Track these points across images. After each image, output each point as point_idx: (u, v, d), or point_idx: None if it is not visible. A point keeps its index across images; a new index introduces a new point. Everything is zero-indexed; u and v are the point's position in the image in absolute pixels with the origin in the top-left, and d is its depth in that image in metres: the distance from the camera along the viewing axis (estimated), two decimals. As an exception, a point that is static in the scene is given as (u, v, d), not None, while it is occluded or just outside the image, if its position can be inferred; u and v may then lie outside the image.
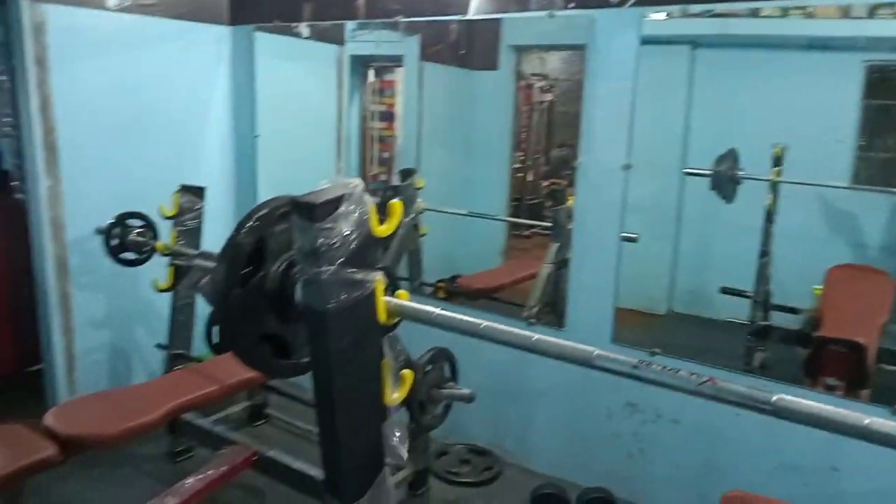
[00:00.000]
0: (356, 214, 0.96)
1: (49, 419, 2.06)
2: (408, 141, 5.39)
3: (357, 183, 0.99)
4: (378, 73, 6.94)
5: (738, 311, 3.52)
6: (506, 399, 3.06)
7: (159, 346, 3.07)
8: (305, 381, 2.93)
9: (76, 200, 3.15)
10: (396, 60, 5.44)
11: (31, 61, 2.89)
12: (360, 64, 5.46)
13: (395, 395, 1.11)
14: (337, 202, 0.94)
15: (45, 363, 3.35)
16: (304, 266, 0.96)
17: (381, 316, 1.06)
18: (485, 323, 1.03)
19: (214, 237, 2.98)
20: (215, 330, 3.19)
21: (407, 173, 4.18)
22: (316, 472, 2.49)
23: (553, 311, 3.59)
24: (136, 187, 3.29)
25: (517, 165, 6.57)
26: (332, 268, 0.94)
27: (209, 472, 2.47)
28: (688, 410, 2.61)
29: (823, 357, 2.57)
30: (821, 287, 3.13)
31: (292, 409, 3.27)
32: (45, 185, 3.05)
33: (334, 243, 0.93)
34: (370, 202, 0.99)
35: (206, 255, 1.74)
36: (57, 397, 3.28)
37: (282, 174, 3.94)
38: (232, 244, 1.09)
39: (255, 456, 2.60)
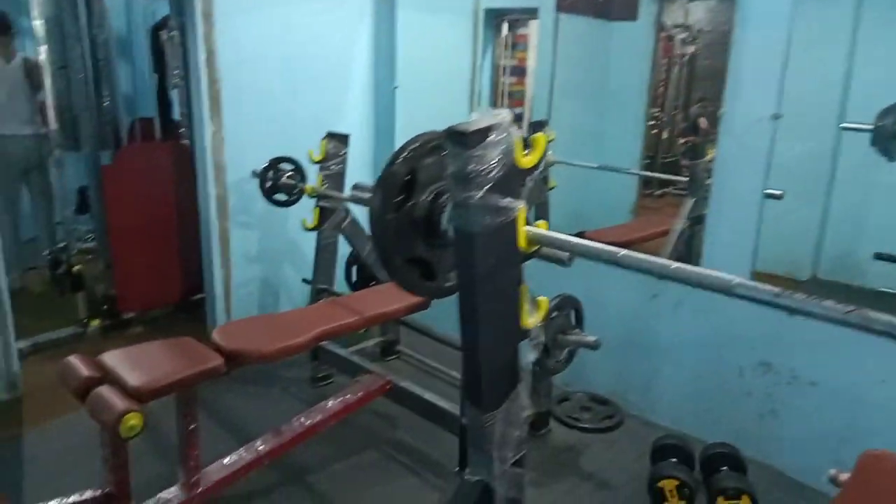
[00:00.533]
0: (504, 144, 1.02)
1: (215, 336, 2.34)
2: (540, 93, 5.36)
3: (505, 114, 1.05)
4: (511, 26, 6.88)
5: (894, 280, 3.26)
6: (630, 350, 3.06)
7: (305, 280, 3.34)
8: (435, 320, 3.10)
9: (235, 145, 3.45)
10: (531, 13, 5.39)
11: (200, 16, 3.17)
12: (494, 17, 5.45)
13: (531, 320, 1.18)
14: (487, 131, 1.01)
15: (207, 293, 3.75)
16: (456, 190, 1.04)
17: (522, 243, 1.12)
18: (623, 251, 1.07)
19: (354, 181, 3.17)
20: (353, 269, 3.43)
21: (538, 126, 4.18)
22: (444, 404, 2.65)
23: (684, 267, 3.50)
24: (287, 133, 3.55)
25: (652, 122, 6.33)
26: (481, 193, 1.01)
27: (347, 396, 2.71)
28: (828, 372, 2.49)
29: None
30: None
31: (421, 346, 3.46)
32: (209, 131, 3.36)
33: (483, 170, 1.00)
34: (516, 134, 1.05)
35: (359, 188, 1.88)
36: (216, 322, 3.67)
37: (417, 125, 4.06)
38: (388, 173, 1.19)
39: (389, 385, 2.81)
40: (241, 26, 3.34)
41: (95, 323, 3.71)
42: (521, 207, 1.09)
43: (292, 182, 3.13)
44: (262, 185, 3.10)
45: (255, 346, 2.30)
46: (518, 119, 6.81)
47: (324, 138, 3.03)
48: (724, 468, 2.50)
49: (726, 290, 1.00)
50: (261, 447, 2.42)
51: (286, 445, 2.47)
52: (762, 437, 2.67)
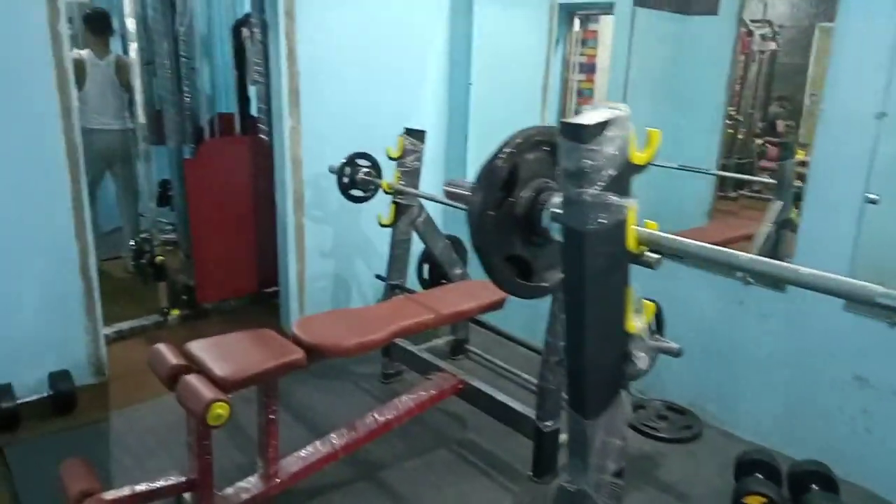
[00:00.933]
0: (619, 139, 0.97)
1: (295, 329, 2.36)
2: (614, 90, 5.23)
3: (623, 108, 1.00)
4: (582, 22, 6.76)
5: None
6: (711, 358, 2.94)
7: (378, 276, 3.35)
8: (504, 319, 3.05)
9: (312, 141, 3.50)
10: (604, 8, 5.26)
11: (282, 13, 3.22)
12: (567, 13, 5.36)
13: (637, 324, 1.13)
14: (604, 125, 0.96)
15: (281, 285, 3.82)
16: (567, 187, 1.00)
17: (631, 243, 1.07)
18: (744, 255, 1.00)
19: (425, 178, 3.16)
20: (425, 267, 3.42)
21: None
22: (517, 406, 2.61)
23: (769, 273, 3.35)
24: (362, 129, 3.58)
25: (727, 121, 6.10)
26: (594, 190, 0.97)
27: (421, 394, 2.70)
28: (934, 392, 2.33)
29: None
30: None
31: (489, 346, 3.43)
32: (288, 125, 3.41)
33: (598, 165, 0.96)
34: (631, 129, 1.00)
35: (454, 184, 1.86)
36: (289, 315, 3.73)
37: (491, 121, 4.04)
38: (490, 169, 1.16)
39: (462, 385, 2.79)
40: (320, 23, 3.38)
41: (175, 313, 3.83)
42: (632, 206, 1.04)
43: (368, 178, 3.14)
44: (339, 181, 3.13)
45: (334, 341, 2.31)
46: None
47: (401, 135, 3.03)
48: (814, 487, 2.37)
49: (868, 300, 0.92)
50: (336, 441, 2.44)
51: (361, 441, 2.48)
52: (856, 455, 2.51)
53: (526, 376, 3.21)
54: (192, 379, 2.01)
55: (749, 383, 2.83)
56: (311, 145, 3.50)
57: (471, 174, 4.07)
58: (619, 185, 1.02)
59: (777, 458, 2.51)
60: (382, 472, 2.62)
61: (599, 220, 0.99)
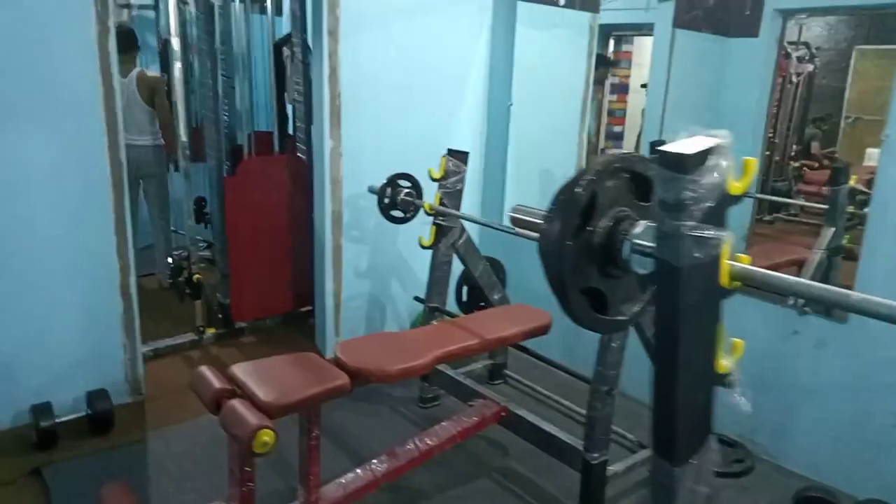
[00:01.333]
0: (719, 169, 0.92)
1: (339, 353, 2.31)
2: (652, 111, 5.17)
3: (723, 135, 0.94)
4: (616, 43, 6.71)
5: None
6: (762, 389, 2.82)
7: (417, 299, 3.30)
8: (543, 344, 2.98)
9: (351, 161, 3.48)
10: (646, 28, 5.21)
11: (326, 33, 3.22)
12: (603, 34, 5.33)
13: (726, 363, 1.06)
14: (705, 154, 0.91)
15: (317, 306, 3.79)
16: (664, 219, 0.95)
17: (724, 279, 1.01)
18: (857, 295, 0.93)
19: (464, 199, 3.11)
20: (464, 289, 3.36)
21: (657, 145, 4.00)
22: (562, 436, 2.53)
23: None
24: (400, 149, 3.56)
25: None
26: (692, 223, 0.91)
27: (463, 421, 2.63)
28: None
29: None
30: None
31: (527, 371, 3.36)
32: (328, 146, 3.40)
33: (698, 197, 0.90)
34: (731, 158, 0.94)
35: (523, 210, 1.80)
36: (325, 335, 3.69)
37: (529, 143, 4.00)
38: (569, 196, 1.10)
39: (505, 412, 2.72)
40: (362, 44, 3.37)
41: (211, 331, 3.81)
42: (727, 239, 0.98)
43: (409, 199, 3.11)
44: (379, 202, 3.10)
45: (378, 366, 2.26)
46: (618, 137, 6.60)
47: (444, 155, 3.00)
48: (879, 528, 2.26)
49: None
50: (377, 468, 2.37)
51: (402, 468, 2.41)
52: (922, 496, 2.39)
53: (567, 403, 3.13)
54: (237, 404, 1.97)
55: (803, 416, 2.72)
56: (350, 165, 3.48)
57: (510, 196, 4.05)
58: (716, 217, 0.95)
59: (837, 496, 2.40)
60: (423, 501, 2.55)
61: (696, 255, 0.93)
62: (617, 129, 6.87)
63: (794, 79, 7.41)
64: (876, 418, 2.51)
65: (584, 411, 3.01)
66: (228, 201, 3.71)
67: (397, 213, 3.16)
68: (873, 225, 2.51)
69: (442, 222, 3.00)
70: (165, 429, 2.96)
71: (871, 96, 9.05)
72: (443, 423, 2.62)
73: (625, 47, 6.89)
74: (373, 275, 3.77)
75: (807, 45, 7.58)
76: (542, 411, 3.05)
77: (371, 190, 3.21)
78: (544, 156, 4.21)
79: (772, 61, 5.21)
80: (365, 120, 3.48)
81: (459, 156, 2.99)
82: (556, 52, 4.13)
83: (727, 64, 5.22)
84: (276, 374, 2.19)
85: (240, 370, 2.18)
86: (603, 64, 5.08)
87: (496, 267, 3.31)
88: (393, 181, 3.11)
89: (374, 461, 2.39)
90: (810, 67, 7.71)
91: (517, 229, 2.01)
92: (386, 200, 3.11)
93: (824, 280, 3.27)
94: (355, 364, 2.25)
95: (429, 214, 2.99)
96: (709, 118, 5.15)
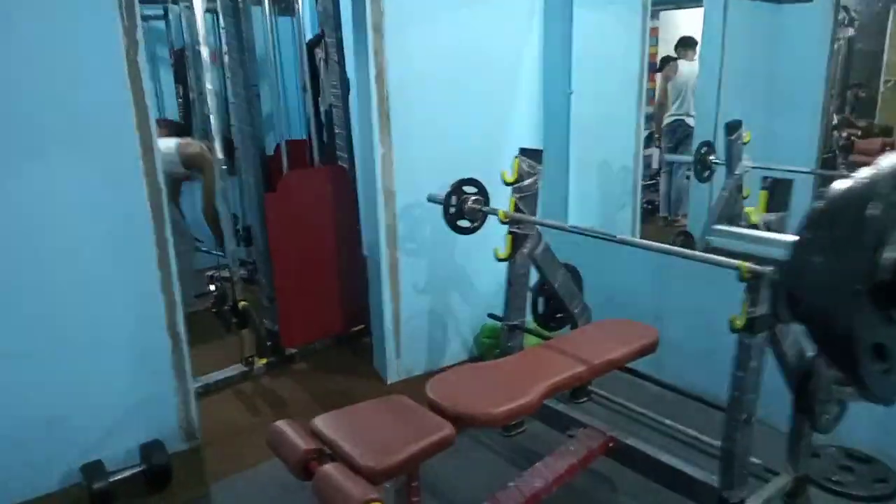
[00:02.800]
0: None
1: (434, 396, 2.00)
2: (707, 89, 4.81)
3: None
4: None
5: None
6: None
7: (493, 316, 2.99)
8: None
9: (404, 168, 3.17)
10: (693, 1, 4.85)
11: (370, 28, 2.90)
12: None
13: None
14: None
15: (374, 326, 3.48)
16: None
17: None
18: None
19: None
20: (540, 301, 3.04)
21: (733, 127, 3.66)
22: (690, 470, 2.22)
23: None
24: (453, 152, 3.26)
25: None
26: None
27: (567, 456, 2.32)
28: None
29: None
30: None
31: (610, 385, 3.03)
32: (379, 153, 3.08)
33: None
34: None
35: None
36: (385, 357, 3.39)
37: (591, 135, 3.67)
38: (854, 220, 0.77)
39: (613, 442, 2.40)
40: (408, 38, 3.06)
41: (262, 361, 3.52)
42: None
43: (477, 207, 2.79)
44: (445, 212, 2.78)
45: (482, 408, 1.94)
46: (649, 119, 6.20)
47: (517, 156, 2.67)
48: None
49: None
50: None
51: (508, 518, 2.11)
52: None
53: (669, 422, 2.81)
54: (333, 471, 1.66)
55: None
56: (402, 173, 3.17)
57: (574, 196, 3.72)
58: None
59: None
60: (534, 553, 2.23)
61: None
62: (650, 109, 6.52)
63: (836, 44, 7.02)
64: None
65: (693, 433, 2.72)
66: (270, 219, 3.41)
67: (464, 223, 2.84)
68: None
69: (518, 230, 2.68)
70: (228, 479, 2.67)
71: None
72: (546, 460, 2.31)
73: (654, 23, 6.54)
74: (432, 290, 3.46)
75: (846, 7, 7.18)
76: (647, 435, 2.74)
77: (431, 199, 2.90)
78: (603, 148, 3.87)
79: (828, 26, 4.84)
80: (416, 122, 3.17)
81: (533, 155, 2.67)
82: (611, 32, 3.78)
83: (781, 33, 4.86)
84: (368, 426, 1.88)
85: (325, 424, 1.87)
86: (684, 44, 4.74)
87: (573, 274, 2.98)
88: (458, 188, 2.79)
89: (476, 512, 2.08)
90: (850, 31, 7.31)
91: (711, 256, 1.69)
92: (452, 210, 2.79)
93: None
94: (455, 407, 1.94)
95: (504, 223, 2.67)
96: (765, 93, 4.79)
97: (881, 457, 2.58)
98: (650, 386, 2.60)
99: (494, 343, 3.57)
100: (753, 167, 3.75)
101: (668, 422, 2.79)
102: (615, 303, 3.15)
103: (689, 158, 3.84)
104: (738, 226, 3.78)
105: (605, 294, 3.10)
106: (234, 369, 3.48)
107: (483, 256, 3.49)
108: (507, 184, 2.67)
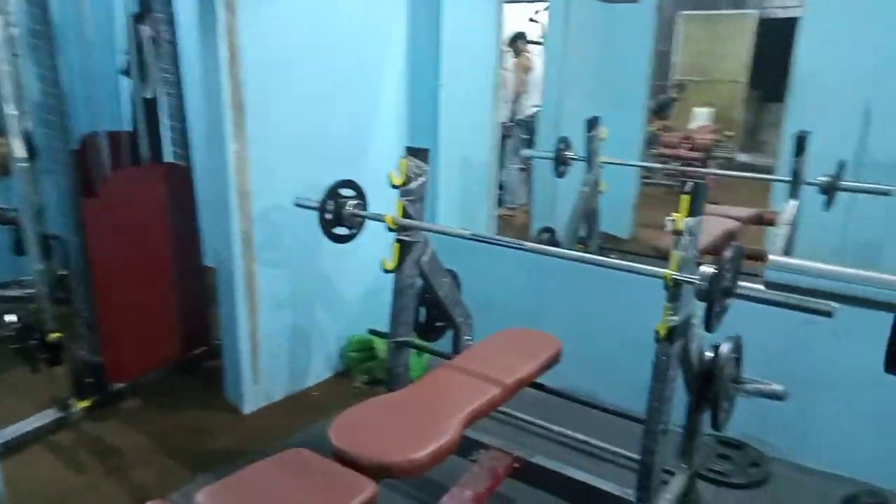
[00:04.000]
0: None
1: (338, 441, 1.68)
2: (551, 85, 4.89)
3: None
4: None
5: None
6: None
7: (374, 332, 2.70)
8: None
9: (261, 168, 2.76)
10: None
11: (221, 4, 2.44)
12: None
13: None
14: None
15: (226, 347, 3.03)
16: None
17: None
18: None
19: (377, 202, 2.53)
20: (422, 311, 2.81)
21: (592, 123, 3.68)
22: (605, 485, 2.12)
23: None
24: (317, 150, 2.92)
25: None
26: None
27: (474, 484, 2.12)
28: None
29: None
30: None
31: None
32: (231, 150, 2.64)
33: None
34: None
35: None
36: (240, 384, 2.96)
37: (457, 130, 3.49)
38: None
39: (518, 462, 2.25)
40: (267, 18, 2.64)
41: (83, 404, 2.90)
42: None
43: (357, 212, 2.47)
44: (321, 218, 2.43)
45: (402, 455, 1.66)
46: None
47: (403, 156, 2.39)
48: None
49: None
50: None
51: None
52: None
53: (580, 436, 2.72)
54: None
55: (825, 409, 2.55)
56: (260, 173, 2.76)
57: (442, 197, 3.51)
58: None
59: (889, 497, 2.24)
60: None
61: None
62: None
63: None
64: (903, 405, 2.39)
65: (602, 444, 2.65)
66: (91, 229, 2.79)
67: (342, 231, 2.51)
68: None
69: (406, 238, 2.41)
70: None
71: (698, 60, 9.61)
72: (452, 492, 2.09)
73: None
74: (295, 303, 3.07)
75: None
76: (553, 451, 2.63)
77: (301, 204, 2.52)
78: (466, 143, 3.71)
79: (650, 26, 5.16)
80: (275, 116, 2.77)
81: (420, 154, 2.41)
82: (470, 23, 3.62)
83: (614, 34, 5.08)
84: (270, 497, 1.52)
85: (210, 498, 1.48)
86: (520, 38, 4.68)
87: (454, 280, 2.79)
88: (334, 191, 2.45)
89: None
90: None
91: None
92: (328, 216, 2.44)
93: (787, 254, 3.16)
94: (371, 457, 1.64)
95: (392, 230, 2.39)
96: (599, 89, 4.98)
97: (750, 441, 2.71)
98: (546, 397, 2.48)
99: (362, 357, 3.28)
100: (607, 162, 3.82)
101: (573, 434, 2.72)
102: (495, 308, 3.01)
103: (549, 154, 3.82)
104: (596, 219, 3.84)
105: (483, 299, 2.94)
106: (46, 416, 2.82)
107: (349, 264, 3.20)
108: (395, 186, 2.38)
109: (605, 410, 2.30)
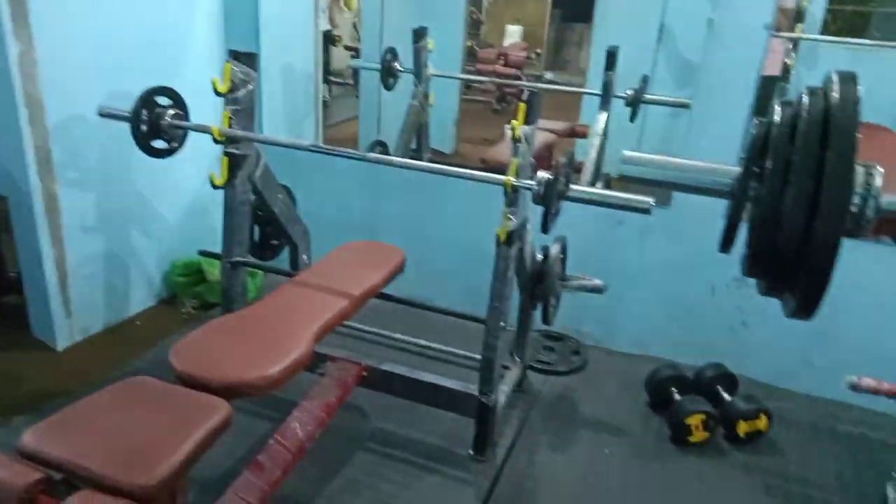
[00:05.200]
0: None
1: (180, 364, 1.58)
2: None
3: None
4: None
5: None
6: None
7: (206, 253, 2.53)
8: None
9: (54, 71, 2.39)
10: None
11: None
12: None
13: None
14: None
15: (27, 281, 2.70)
16: None
17: None
18: None
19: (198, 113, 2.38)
20: (255, 228, 2.70)
21: (419, 33, 3.63)
22: (450, 383, 2.24)
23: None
24: (122, 50, 2.58)
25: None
26: None
27: (324, 396, 2.14)
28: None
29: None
30: None
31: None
32: (15, 51, 2.25)
33: None
34: None
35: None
36: (51, 321, 2.67)
37: (275, 32, 3.26)
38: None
39: (367, 370, 2.29)
40: None
41: None
42: None
43: (177, 123, 2.26)
44: (135, 131, 2.18)
45: (255, 372, 1.62)
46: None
47: (228, 60, 2.19)
48: (719, 388, 2.53)
49: None
50: (246, 493, 1.78)
51: (277, 482, 1.86)
52: (735, 349, 2.73)
53: (423, 341, 2.80)
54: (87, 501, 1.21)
55: (633, 299, 2.86)
56: (53, 79, 2.39)
57: (266, 109, 3.29)
58: None
59: (683, 369, 2.61)
60: (308, 508, 2.04)
61: None
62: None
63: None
64: (694, 290, 2.76)
65: (446, 347, 2.76)
66: None
67: (160, 144, 2.29)
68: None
69: (236, 150, 2.26)
70: None
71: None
72: (301, 406, 2.08)
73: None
74: (107, 228, 2.78)
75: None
76: (401, 358, 2.70)
77: (106, 114, 2.25)
78: (287, 51, 3.49)
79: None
80: (68, 11, 2.38)
81: (246, 59, 2.23)
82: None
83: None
84: (112, 428, 1.41)
85: (43, 439, 1.35)
86: None
87: (289, 196, 2.69)
88: (148, 99, 2.21)
89: (237, 487, 1.78)
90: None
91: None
92: (144, 128, 2.20)
93: (599, 164, 3.44)
94: (223, 377, 1.58)
95: (218, 142, 2.22)
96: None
97: (571, 333, 3.00)
98: (392, 306, 2.53)
99: (190, 281, 3.09)
100: (437, 75, 3.83)
101: (419, 341, 2.80)
102: (333, 223, 2.97)
103: (376, 66, 3.73)
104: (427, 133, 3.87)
105: (320, 214, 2.88)
106: None
107: (169, 182, 2.97)
108: (220, 94, 2.19)
109: (447, 314, 2.40)
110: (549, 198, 1.82)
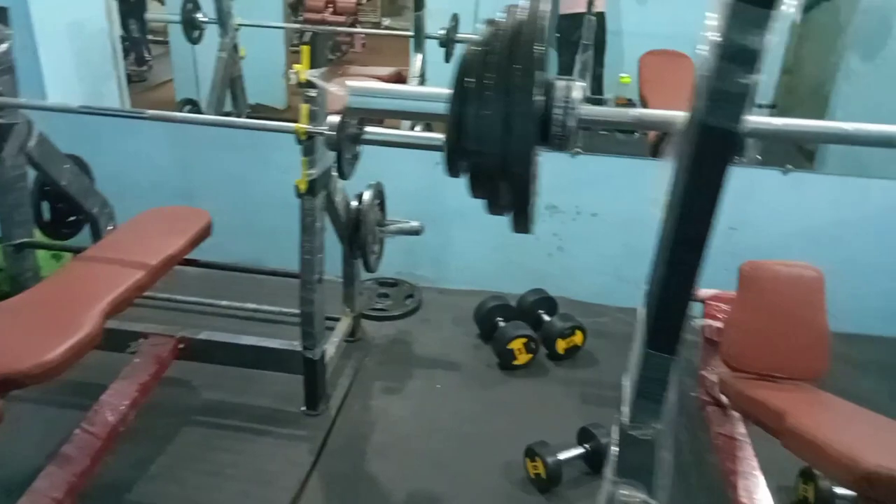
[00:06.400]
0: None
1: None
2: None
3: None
4: None
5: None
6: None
7: (-17, 238, 2.25)
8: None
9: None
10: None
11: None
12: None
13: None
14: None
15: None
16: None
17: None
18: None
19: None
20: (44, 206, 2.47)
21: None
22: (272, 343, 2.20)
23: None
24: None
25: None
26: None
27: (137, 375, 2.03)
28: (606, 205, 2.79)
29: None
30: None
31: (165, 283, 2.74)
32: None
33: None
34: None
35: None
36: None
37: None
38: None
39: (183, 342, 2.19)
40: None
41: None
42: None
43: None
44: None
45: (30, 359, 1.48)
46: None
47: (-33, 15, 1.92)
48: (541, 311, 2.68)
49: None
50: (53, 486, 1.67)
51: (88, 471, 1.75)
52: (554, 273, 2.90)
53: (249, 305, 2.70)
54: None
55: (461, 238, 2.93)
56: None
57: (48, 71, 2.93)
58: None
59: (507, 298, 2.73)
60: (129, 491, 1.93)
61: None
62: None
63: None
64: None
65: (268, 307, 2.68)
66: None
67: None
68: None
69: (1, 120, 2.01)
70: None
71: None
72: (111, 388, 1.97)
73: None
74: None
75: None
76: (222, 324, 2.59)
77: None
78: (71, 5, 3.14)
79: None
80: None
81: (-5, 14, 1.97)
82: None
83: None
84: None
85: None
86: None
87: (81, 167, 2.46)
88: None
89: (44, 478, 1.66)
90: None
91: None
92: None
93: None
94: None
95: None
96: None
97: (405, 278, 3.04)
98: (206, 272, 2.42)
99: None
100: (243, 24, 3.62)
101: (238, 304, 2.70)
102: (142, 191, 2.77)
103: (176, 18, 3.47)
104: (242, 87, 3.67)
105: (124, 183, 2.67)
106: None
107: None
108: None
109: (263, 273, 2.33)
110: (341, 142, 1.79)
